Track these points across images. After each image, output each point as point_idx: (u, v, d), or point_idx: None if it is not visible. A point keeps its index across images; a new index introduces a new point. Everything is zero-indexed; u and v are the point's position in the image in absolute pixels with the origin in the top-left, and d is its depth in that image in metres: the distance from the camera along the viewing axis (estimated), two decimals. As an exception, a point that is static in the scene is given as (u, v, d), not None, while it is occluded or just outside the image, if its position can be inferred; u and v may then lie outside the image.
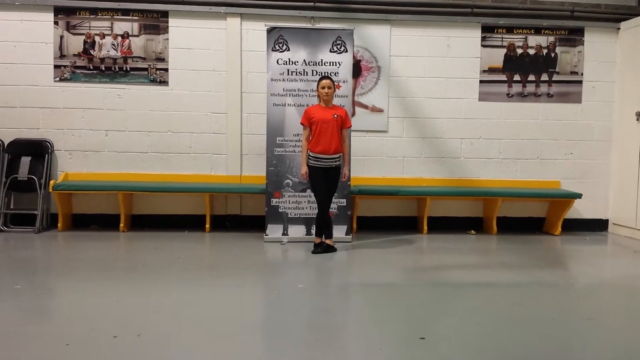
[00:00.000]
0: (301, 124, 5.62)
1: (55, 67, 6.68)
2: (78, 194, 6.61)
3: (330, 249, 5.56)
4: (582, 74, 7.17)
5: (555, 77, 7.15)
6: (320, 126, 5.45)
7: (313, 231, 6.07)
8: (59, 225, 6.43)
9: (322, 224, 5.57)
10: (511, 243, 6.34)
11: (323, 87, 5.50)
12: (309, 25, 6.69)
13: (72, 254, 5.53)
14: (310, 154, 5.48)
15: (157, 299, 3.87)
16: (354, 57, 6.36)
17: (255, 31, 6.71)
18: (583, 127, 7.18)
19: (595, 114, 7.18)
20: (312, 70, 6.13)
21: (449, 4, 6.96)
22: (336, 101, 6.09)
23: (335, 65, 6.15)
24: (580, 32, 7.16)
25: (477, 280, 4.58)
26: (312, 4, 6.78)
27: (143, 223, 6.78)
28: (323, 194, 5.50)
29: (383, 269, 4.92)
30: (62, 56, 6.69)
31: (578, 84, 7.17)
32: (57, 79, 6.68)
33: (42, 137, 6.66)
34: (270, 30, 6.11)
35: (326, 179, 5.50)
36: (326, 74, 5.84)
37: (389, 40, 6.94)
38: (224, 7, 6.73)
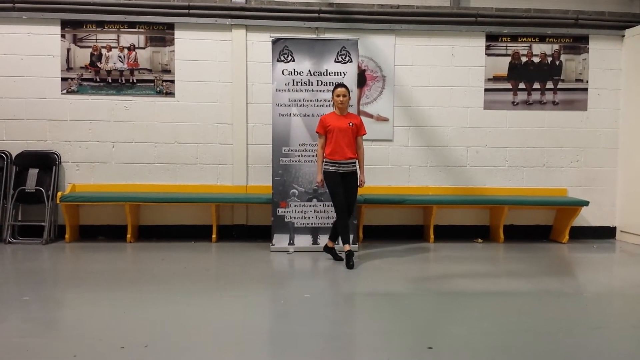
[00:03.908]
0: (316, 132, 5.61)
1: (63, 79, 6.73)
2: (85, 205, 6.65)
3: (336, 256, 5.60)
4: (587, 82, 7.17)
5: (560, 85, 7.15)
6: (337, 135, 5.46)
7: (319, 241, 6.09)
8: (67, 236, 6.46)
9: (340, 229, 5.49)
10: (518, 251, 6.32)
11: (338, 95, 5.51)
12: (313, 36, 6.73)
13: (80, 265, 5.55)
14: (327, 160, 5.50)
15: (164, 310, 3.88)
16: (358, 66, 6.38)
17: (261, 42, 6.76)
18: (589, 134, 7.17)
19: (601, 121, 7.17)
20: (317, 81, 6.15)
21: (452, 13, 6.98)
22: (341, 111, 6.12)
23: (340, 75, 6.17)
24: (584, 39, 7.16)
25: (485, 289, 4.56)
26: (316, 15, 6.82)
27: (150, 234, 6.80)
28: (341, 199, 5.46)
29: (390, 278, 4.91)
30: (69, 69, 6.75)
31: (583, 92, 7.17)
32: (64, 91, 6.74)
33: (50, 149, 6.70)
34: (275, 41, 6.15)
35: (345, 186, 5.49)
36: (341, 82, 5.82)
37: (394, 50, 6.96)
38: (229, 19, 6.78)
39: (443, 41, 7.02)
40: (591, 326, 3.66)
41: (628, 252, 6.44)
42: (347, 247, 5.46)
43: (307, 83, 6.16)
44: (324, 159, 5.52)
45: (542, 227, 7.18)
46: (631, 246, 6.76)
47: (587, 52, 7.16)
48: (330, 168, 5.48)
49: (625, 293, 4.58)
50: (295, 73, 6.15)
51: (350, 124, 5.53)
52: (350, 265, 5.31)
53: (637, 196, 6.83)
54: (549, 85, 7.14)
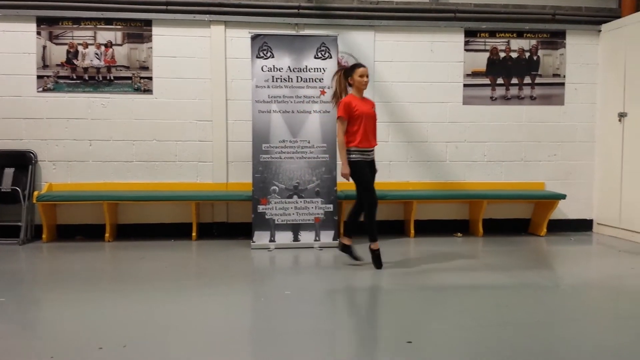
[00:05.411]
0: (339, 117, 5.00)
1: (38, 77, 6.63)
2: (62, 204, 6.56)
3: (376, 258, 5.11)
4: (564, 76, 7.25)
5: (537, 80, 7.23)
6: (366, 121, 5.01)
7: (300, 237, 6.08)
8: (44, 236, 6.37)
9: (371, 224, 5.05)
10: (497, 245, 6.38)
11: (362, 76, 5.03)
12: (293, 32, 6.71)
13: (57, 265, 5.47)
14: (356, 148, 5.00)
15: (143, 309, 3.85)
16: (338, 63, 6.37)
17: (240, 38, 6.72)
18: (566, 128, 7.25)
19: (578, 115, 7.26)
20: (297, 77, 6.14)
21: (432, 9, 7.01)
22: (321, 107, 6.13)
23: (320, 71, 6.17)
24: (561, 35, 7.24)
25: (464, 283, 4.59)
26: (296, 10, 6.80)
27: (129, 233, 6.74)
28: (373, 190, 5.04)
29: (370, 274, 4.92)
30: (45, 66, 6.64)
31: (560, 86, 7.25)
32: (40, 89, 6.64)
33: (26, 147, 6.60)
34: (254, 38, 6.12)
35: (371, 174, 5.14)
36: (359, 62, 5.52)
37: (373, 46, 6.97)
38: (207, 15, 6.72)
39: (422, 37, 7.05)
40: (568, 318, 3.71)
41: (605, 244, 6.54)
42: (377, 245, 5.10)
43: (287, 79, 6.15)
44: (350, 149, 5.00)
45: (521, 220, 7.26)
46: (608, 238, 6.86)
47: (564, 47, 7.24)
48: (359, 157, 5.00)
49: (602, 285, 4.65)
50: (275, 69, 6.13)
51: (374, 108, 5.18)
52: (380, 264, 5.07)
53: (613, 189, 6.94)
54: (527, 80, 7.21)
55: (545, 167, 7.24)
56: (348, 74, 5.13)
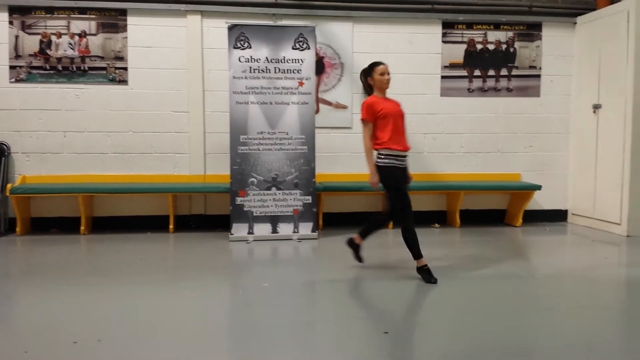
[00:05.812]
0: (363, 120, 4.50)
1: (11, 67, 6.49)
2: (36, 197, 6.46)
3: (426, 273, 4.40)
4: (540, 68, 7.32)
5: (514, 72, 7.29)
6: (395, 120, 4.44)
7: (279, 229, 6.07)
8: (18, 229, 6.27)
9: (412, 241, 4.42)
10: (474, 235, 6.44)
11: (383, 74, 4.53)
12: (270, 23, 6.65)
13: (32, 258, 5.39)
14: (390, 152, 4.39)
15: (119, 303, 3.81)
16: (317, 53, 6.35)
17: (217, 29, 6.65)
18: (542, 120, 7.33)
19: (554, 107, 7.34)
20: (275, 68, 6.10)
21: (410, 0, 7.01)
22: (299, 98, 6.10)
23: (298, 62, 6.13)
24: (538, 27, 7.30)
25: (440, 274, 4.61)
26: (273, 0, 6.75)
27: (105, 225, 6.66)
28: (409, 202, 4.42)
29: (348, 265, 4.93)
30: (17, 56, 6.51)
31: (536, 78, 7.32)
32: (13, 80, 6.50)
33: (-2, 139, 6.48)
34: (231, 28, 6.06)
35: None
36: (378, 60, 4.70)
37: (352, 37, 6.96)
38: (184, 5, 6.64)
39: (400, 28, 7.05)
40: (543, 307, 3.76)
41: (579, 234, 6.64)
42: (424, 262, 4.44)
43: (265, 70, 6.10)
44: (380, 151, 4.42)
45: (497, 211, 7.35)
46: (582, 228, 6.97)
47: (541, 39, 7.31)
48: (394, 162, 4.40)
49: (575, 275, 4.72)
50: (252, 60, 6.08)
51: (401, 107, 4.61)
52: (434, 279, 4.34)
53: (587, 180, 7.04)
54: (504, 72, 7.27)
55: (521, 158, 7.33)
56: (366, 74, 4.66)
